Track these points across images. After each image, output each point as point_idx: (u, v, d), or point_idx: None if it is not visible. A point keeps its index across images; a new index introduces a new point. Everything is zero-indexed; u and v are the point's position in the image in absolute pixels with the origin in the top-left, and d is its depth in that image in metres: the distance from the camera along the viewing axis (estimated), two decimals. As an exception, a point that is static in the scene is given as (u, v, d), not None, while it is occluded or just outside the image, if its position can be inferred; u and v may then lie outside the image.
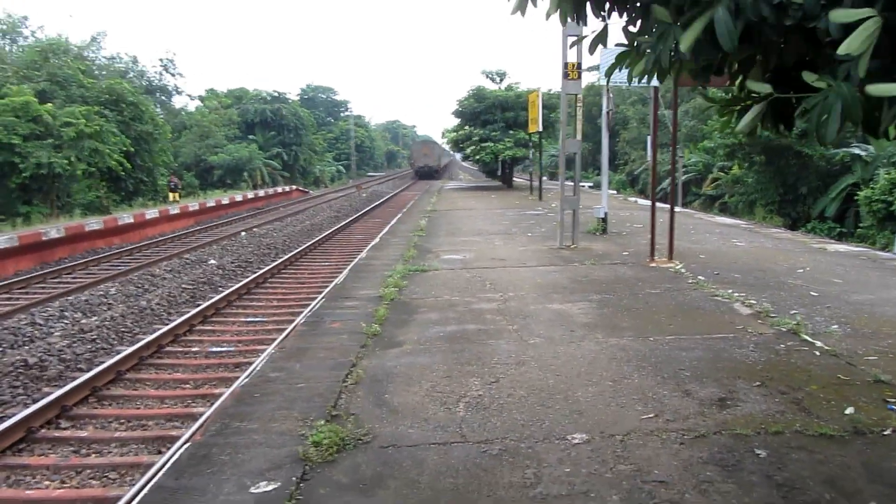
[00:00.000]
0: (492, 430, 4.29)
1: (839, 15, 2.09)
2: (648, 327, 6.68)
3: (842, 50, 2.03)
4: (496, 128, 32.89)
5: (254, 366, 7.60)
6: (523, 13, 3.32)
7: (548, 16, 3.36)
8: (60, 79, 30.07)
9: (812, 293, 8.13)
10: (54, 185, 26.44)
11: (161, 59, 45.32)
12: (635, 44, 3.28)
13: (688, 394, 4.86)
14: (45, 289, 13.71)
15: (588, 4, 3.31)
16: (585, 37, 3.54)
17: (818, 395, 4.79)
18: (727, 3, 2.35)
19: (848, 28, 2.08)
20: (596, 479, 3.64)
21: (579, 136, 13.26)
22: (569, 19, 3.43)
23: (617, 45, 3.63)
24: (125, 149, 29.25)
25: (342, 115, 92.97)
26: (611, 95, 15.25)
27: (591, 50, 3.55)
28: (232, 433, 4.38)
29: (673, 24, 2.74)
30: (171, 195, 31.62)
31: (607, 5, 3.36)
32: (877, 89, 2.04)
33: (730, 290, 8.27)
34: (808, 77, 2.28)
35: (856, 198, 21.13)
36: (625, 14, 3.41)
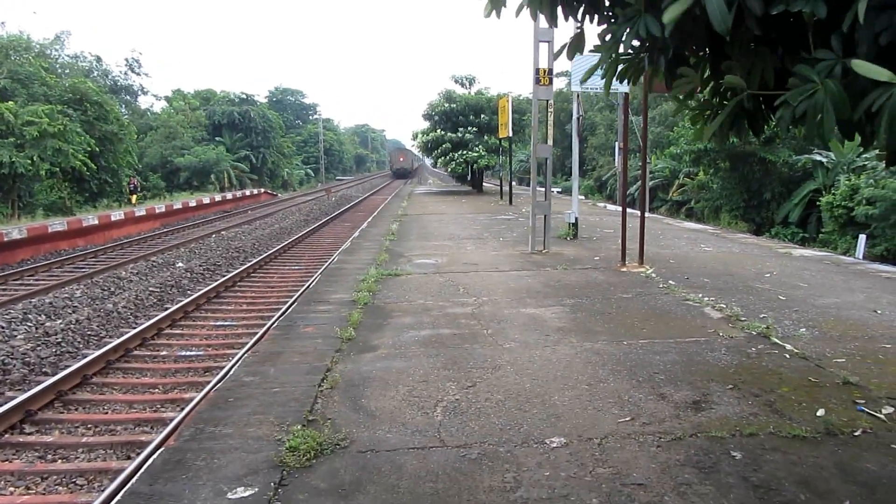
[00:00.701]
0: (470, 435, 4.27)
1: None
2: (622, 331, 6.74)
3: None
4: (468, 132, 32.62)
5: (227, 369, 7.49)
6: (498, 15, 3.31)
7: (517, 12, 3.35)
8: (22, 76, 29.35)
9: (780, 297, 8.28)
10: (15, 185, 25.78)
11: (126, 59, 44.62)
12: (607, 38, 3.29)
13: (663, 397, 4.90)
14: (6, 291, 13.33)
15: (560, 7, 3.32)
16: (564, 45, 3.56)
17: (790, 397, 4.87)
18: None
19: (835, 9, 2.11)
20: (575, 482, 3.64)
21: (550, 142, 13.33)
22: (541, 23, 3.45)
23: (591, 51, 3.66)
24: (89, 149, 28.64)
25: (311, 118, 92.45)
26: (580, 101, 15.42)
27: (570, 55, 3.56)
28: (207, 438, 4.30)
29: (644, 11, 2.75)
30: (131, 197, 30.91)
31: (581, 9, 3.38)
32: (864, 67, 2.06)
33: (700, 295, 8.38)
34: (801, 70, 2.31)
35: (818, 203, 21.63)
36: (597, 19, 3.44)
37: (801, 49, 2.54)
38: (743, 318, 7.13)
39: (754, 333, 6.55)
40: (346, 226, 24.55)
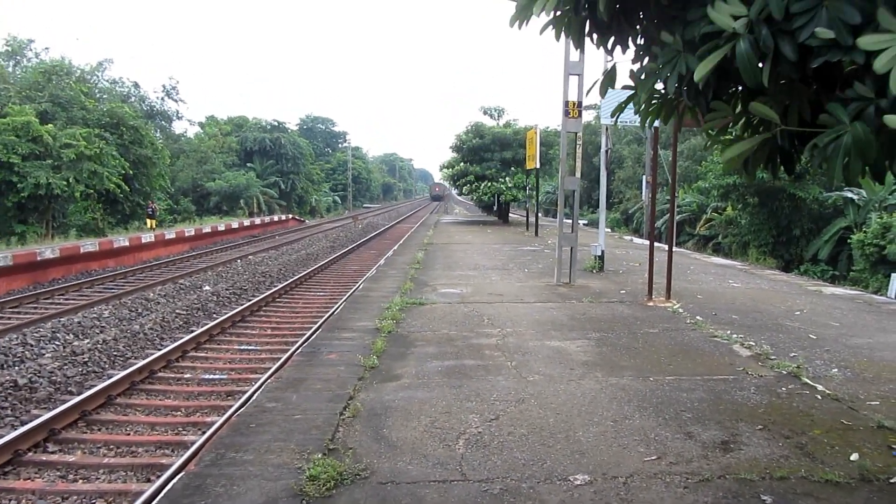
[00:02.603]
0: (492, 469, 4.20)
1: (867, 41, 2.09)
2: (648, 367, 6.62)
3: (877, 65, 2.04)
4: (492, 165, 33.20)
5: (249, 394, 7.49)
6: (524, 24, 3.32)
7: (542, 30, 3.37)
8: (62, 100, 30.17)
9: (811, 336, 8.10)
10: (51, 206, 26.35)
11: (164, 85, 45.52)
12: (641, 76, 3.29)
13: (690, 436, 4.78)
14: (37, 309, 13.55)
15: (589, 35, 3.34)
16: (596, 82, 3.56)
17: (822, 439, 4.72)
18: (749, 37, 2.34)
19: (870, 56, 2.08)
20: (600, 522, 3.54)
21: (578, 174, 13.31)
22: (571, 54, 3.46)
23: (624, 87, 3.65)
24: (123, 172, 29.24)
25: (340, 146, 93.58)
26: (609, 135, 15.40)
27: (603, 92, 3.56)
28: (227, 464, 4.27)
29: (682, 51, 2.75)
30: (148, 222, 31.08)
31: (611, 40, 3.38)
32: (893, 120, 2.03)
33: (728, 331, 8.23)
34: (834, 109, 2.27)
35: (848, 241, 21.24)
36: (629, 50, 3.43)
37: (837, 85, 2.51)
38: (773, 357, 6.97)
39: (784, 373, 6.39)
40: (371, 253, 24.67)
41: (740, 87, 3.13)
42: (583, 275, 13.76)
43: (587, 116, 56.70)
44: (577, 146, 13.29)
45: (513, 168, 32.85)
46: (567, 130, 12.55)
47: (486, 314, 9.38)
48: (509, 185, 32.52)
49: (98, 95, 36.07)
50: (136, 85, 42.33)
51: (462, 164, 33.98)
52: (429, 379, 6.16)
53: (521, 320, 8.95)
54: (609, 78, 3.46)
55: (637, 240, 25.97)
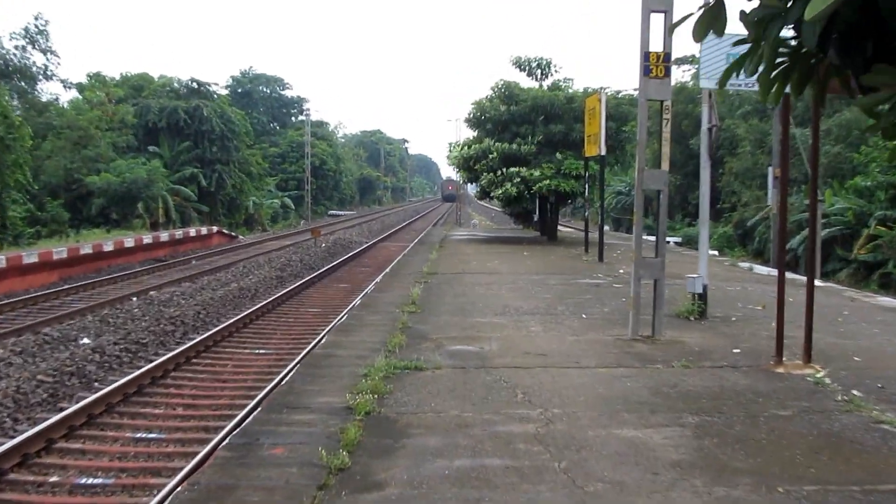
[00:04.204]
0: None
1: None
2: (776, 471, 6.59)
3: None
4: (530, 144, 32.83)
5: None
6: None
7: None
8: None
9: None
10: None
11: (26, 28, 44.80)
12: (758, 19, 3.28)
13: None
14: None
15: None
16: (687, 17, 3.55)
17: None
18: None
19: None
20: None
21: (666, 165, 13.26)
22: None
23: (737, 43, 3.66)
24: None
25: (294, 120, 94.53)
26: (713, 103, 15.34)
27: (699, 35, 3.54)
28: None
29: None
30: None
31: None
32: None
33: (903, 415, 8.17)
34: None
35: None
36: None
37: None
38: (974, 458, 6.90)
39: None
40: (341, 288, 24.70)
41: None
42: (674, 323, 13.72)
43: (680, 75, 57.22)
44: (664, 122, 13.29)
45: (560, 154, 32.53)
46: (648, 97, 12.57)
47: (520, 385, 9.34)
48: (548, 171, 32.00)
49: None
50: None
51: (485, 140, 33.69)
52: (430, 489, 6.13)
53: (576, 396, 8.92)
54: (711, 16, 3.44)
55: (760, 268, 25.90)
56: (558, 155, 32.68)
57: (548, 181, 31.97)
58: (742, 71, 3.62)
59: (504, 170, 32.89)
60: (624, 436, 7.53)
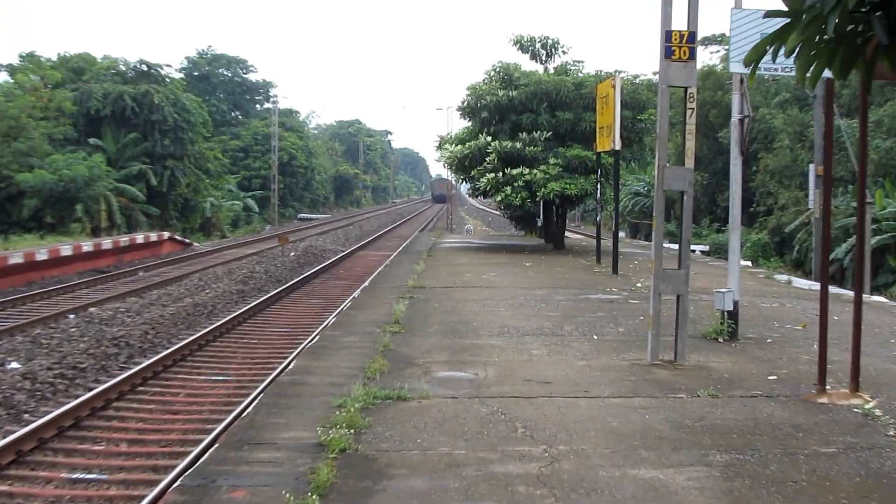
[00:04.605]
0: None
1: None
2: (819, 519, 6.57)
3: None
4: (532, 140, 32.24)
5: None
6: None
7: None
8: None
9: None
10: None
11: None
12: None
13: None
14: None
15: None
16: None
17: None
18: None
19: None
20: None
21: (690, 162, 13.27)
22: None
23: (769, 14, 3.66)
24: None
25: (260, 108, 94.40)
26: (745, 90, 15.38)
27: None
28: None
29: None
30: None
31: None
32: None
33: (966, 454, 8.18)
34: None
35: None
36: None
37: None
38: None
39: None
40: (312, 304, 24.65)
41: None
42: (699, 346, 13.76)
43: (707, 57, 57.39)
44: (689, 112, 13.31)
45: (568, 148, 32.34)
46: (669, 83, 12.59)
47: (520, 418, 9.34)
48: (554, 170, 31.38)
49: None
50: None
51: (482, 136, 33.30)
52: (415, 541, 6.10)
53: (585, 430, 8.92)
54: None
55: (800, 281, 25.93)
56: (563, 149, 32.49)
57: (554, 183, 31.43)
58: (775, 50, 3.61)
59: (504, 171, 32.34)
60: (641, 477, 7.52)
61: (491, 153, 32.71)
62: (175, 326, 20.87)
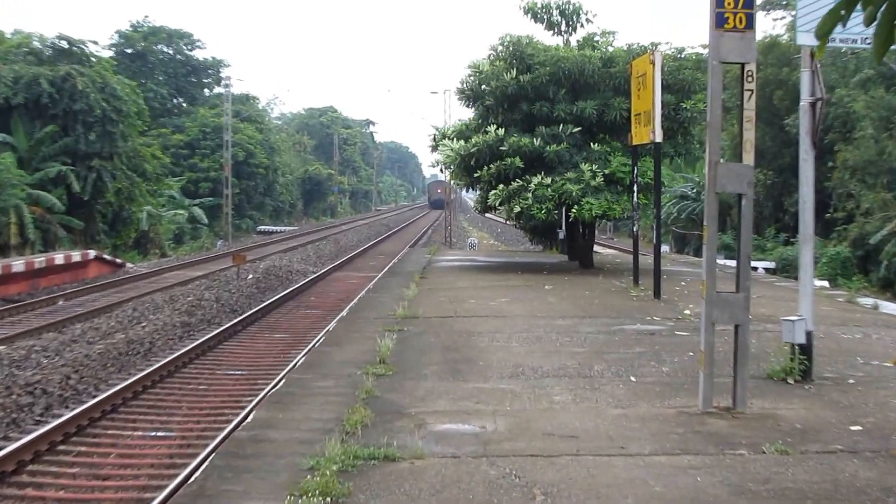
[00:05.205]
0: None
1: None
2: None
3: None
4: (556, 135, 31.36)
5: None
6: None
7: None
8: None
9: None
10: None
11: None
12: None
13: None
14: None
15: None
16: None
17: None
18: None
19: None
20: None
21: (749, 157, 13.26)
22: None
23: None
24: None
25: (208, 93, 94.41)
26: (817, 67, 15.41)
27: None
28: None
29: None
30: None
31: None
32: None
33: None
34: None
35: None
36: None
37: None
38: None
39: None
40: (276, 340, 24.65)
41: None
42: (764, 388, 13.73)
43: (770, 26, 57.30)
44: (747, 94, 13.33)
45: (597, 144, 31.79)
46: (722, 58, 12.60)
47: (539, 483, 9.32)
48: (589, 174, 30.32)
49: None
50: None
51: (491, 128, 31.95)
52: None
53: (622, 497, 8.90)
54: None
55: (889, 305, 25.87)
56: (596, 145, 31.69)
57: (592, 200, 30.48)
58: (853, 15, 3.61)
59: (528, 177, 31.22)
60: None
61: (507, 154, 31.51)
62: (104, 369, 20.84)
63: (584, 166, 31.11)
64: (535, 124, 32.65)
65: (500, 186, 32.17)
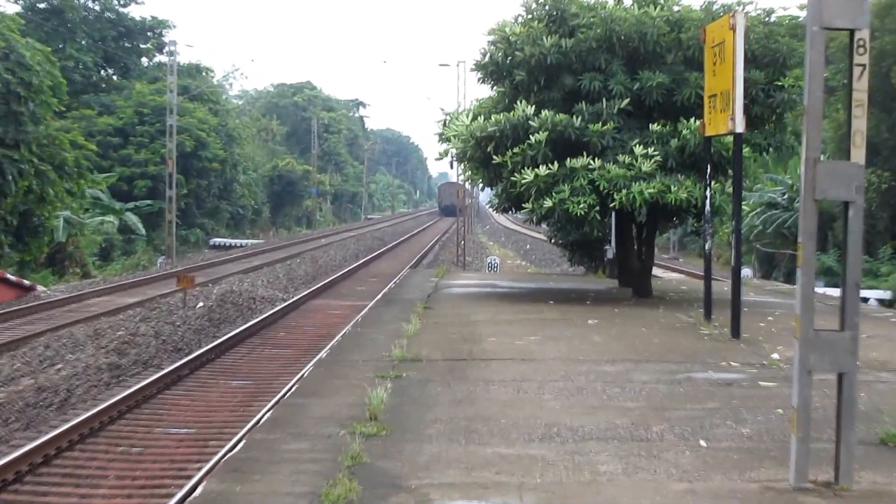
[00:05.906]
0: None
1: None
2: None
3: None
4: (600, 112, 30.45)
5: None
6: None
7: None
8: None
9: None
10: None
11: None
12: None
13: None
14: None
15: None
16: None
17: None
18: None
19: None
20: None
21: (859, 153, 13.20)
22: None
23: None
24: None
25: (147, 63, 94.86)
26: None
27: None
28: None
29: None
30: None
31: None
32: None
33: None
34: None
35: None
36: None
37: None
38: None
39: None
40: (234, 389, 24.67)
41: None
42: (877, 456, 13.69)
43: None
44: (858, 68, 13.29)
45: (661, 126, 30.80)
46: (823, 24, 12.55)
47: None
48: (645, 158, 29.06)
49: None
50: None
51: (518, 105, 30.72)
52: None
53: None
54: None
55: None
56: (658, 128, 30.55)
57: (643, 184, 29.08)
58: None
59: (555, 162, 29.92)
60: None
61: (536, 133, 30.20)
62: (5, 426, 20.83)
63: (639, 150, 29.99)
64: (578, 103, 31.26)
65: (534, 173, 30.21)
